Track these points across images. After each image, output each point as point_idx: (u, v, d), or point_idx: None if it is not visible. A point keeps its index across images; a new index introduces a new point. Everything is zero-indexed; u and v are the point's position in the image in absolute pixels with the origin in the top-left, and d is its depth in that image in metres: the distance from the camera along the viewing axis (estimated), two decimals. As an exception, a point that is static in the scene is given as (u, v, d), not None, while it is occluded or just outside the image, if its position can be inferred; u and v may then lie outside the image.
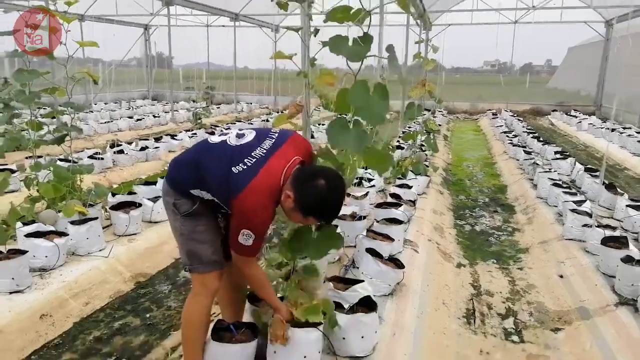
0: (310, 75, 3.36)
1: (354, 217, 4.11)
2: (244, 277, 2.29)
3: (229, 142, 2.15)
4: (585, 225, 4.33)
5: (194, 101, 15.08)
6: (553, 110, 17.12)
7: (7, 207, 4.28)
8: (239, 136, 2.17)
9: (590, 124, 12.96)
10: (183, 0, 13.67)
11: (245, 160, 2.04)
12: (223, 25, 18.29)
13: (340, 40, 2.27)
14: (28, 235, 3.68)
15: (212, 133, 9.54)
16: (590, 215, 4.54)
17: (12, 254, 3.37)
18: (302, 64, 3.78)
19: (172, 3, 12.96)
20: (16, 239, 3.86)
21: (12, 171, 5.95)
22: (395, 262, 3.41)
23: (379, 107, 2.27)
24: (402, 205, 4.63)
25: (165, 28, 13.38)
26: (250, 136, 2.17)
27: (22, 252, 3.39)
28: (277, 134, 2.20)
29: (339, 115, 2.39)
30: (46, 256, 3.61)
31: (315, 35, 3.27)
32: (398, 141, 8.27)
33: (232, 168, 2.02)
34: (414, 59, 6.58)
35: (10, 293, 3.23)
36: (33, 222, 3.94)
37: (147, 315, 3.44)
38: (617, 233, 4.06)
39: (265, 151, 2.09)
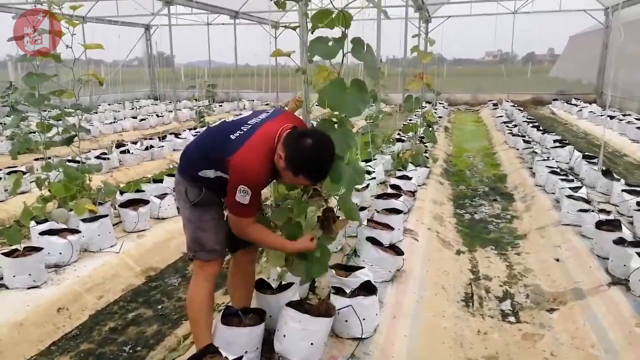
0: (309, 72, 3.50)
1: (355, 208, 4.24)
2: (249, 239, 2.37)
3: (227, 120, 2.42)
4: (580, 210, 4.44)
5: (196, 100, 15.25)
6: (554, 100, 17.17)
7: (19, 207, 4.44)
8: (237, 115, 2.44)
9: (591, 112, 13.02)
10: (183, -1, 13.80)
11: (242, 127, 2.24)
12: (223, 23, 18.42)
13: (319, 42, 2.43)
14: (42, 233, 3.83)
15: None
16: (585, 201, 4.66)
17: (28, 251, 3.52)
18: (300, 61, 3.91)
19: (172, 2, 13.09)
20: (30, 238, 4.03)
21: (23, 173, 6.11)
22: (394, 249, 3.54)
23: (354, 101, 2.49)
24: (402, 195, 4.76)
25: (166, 27, 13.53)
26: (246, 113, 2.41)
27: (38, 250, 3.54)
28: (272, 110, 2.45)
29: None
30: (60, 253, 3.75)
31: (312, 33, 3.40)
32: (399, 134, 8.38)
33: (230, 135, 2.20)
34: (411, 52, 6.68)
35: (28, 288, 3.38)
36: (45, 220, 4.10)
37: (159, 307, 3.59)
38: (611, 217, 4.18)
39: (260, 120, 2.30)
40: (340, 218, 2.68)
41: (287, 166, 2.15)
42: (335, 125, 2.62)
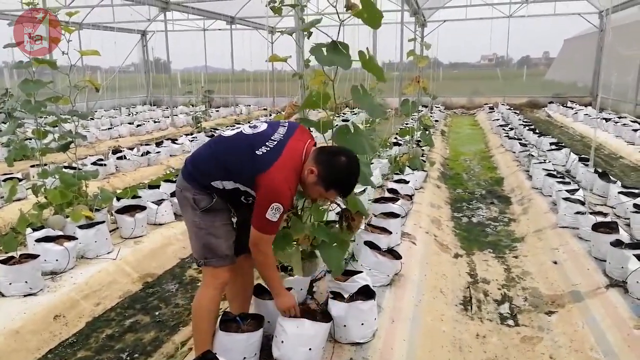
0: (305, 77, 3.51)
1: (352, 212, 4.24)
2: (257, 257, 2.36)
3: (244, 132, 2.34)
4: (577, 213, 4.45)
5: (192, 105, 15.23)
6: (550, 103, 17.23)
7: (15, 214, 4.42)
8: (253, 127, 2.37)
9: (586, 114, 13.07)
10: (179, 5, 13.80)
11: (267, 143, 2.23)
12: (219, 29, 18.44)
13: (321, 50, 2.51)
14: (38, 240, 3.81)
15: (212, 136, 9.66)
16: (582, 203, 4.67)
17: (24, 258, 3.50)
18: (297, 66, 3.91)
19: (168, 8, 13.09)
20: (26, 245, 4.01)
21: (19, 179, 6.09)
22: (392, 253, 3.54)
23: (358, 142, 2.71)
24: (399, 199, 4.76)
25: (162, 33, 13.52)
26: (263, 126, 2.37)
27: (34, 257, 3.52)
28: (287, 123, 2.43)
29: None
30: (57, 260, 3.73)
31: (308, 38, 3.41)
32: (395, 137, 8.39)
33: (256, 151, 2.20)
34: (407, 56, 6.69)
35: (24, 296, 3.35)
36: (42, 227, 4.08)
37: (157, 313, 3.57)
38: (608, 219, 4.18)
39: (282, 136, 2.30)
40: (355, 215, 2.82)
41: (319, 182, 2.23)
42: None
